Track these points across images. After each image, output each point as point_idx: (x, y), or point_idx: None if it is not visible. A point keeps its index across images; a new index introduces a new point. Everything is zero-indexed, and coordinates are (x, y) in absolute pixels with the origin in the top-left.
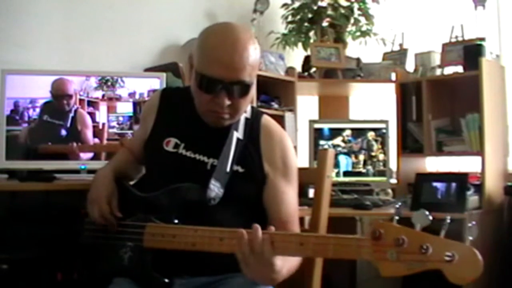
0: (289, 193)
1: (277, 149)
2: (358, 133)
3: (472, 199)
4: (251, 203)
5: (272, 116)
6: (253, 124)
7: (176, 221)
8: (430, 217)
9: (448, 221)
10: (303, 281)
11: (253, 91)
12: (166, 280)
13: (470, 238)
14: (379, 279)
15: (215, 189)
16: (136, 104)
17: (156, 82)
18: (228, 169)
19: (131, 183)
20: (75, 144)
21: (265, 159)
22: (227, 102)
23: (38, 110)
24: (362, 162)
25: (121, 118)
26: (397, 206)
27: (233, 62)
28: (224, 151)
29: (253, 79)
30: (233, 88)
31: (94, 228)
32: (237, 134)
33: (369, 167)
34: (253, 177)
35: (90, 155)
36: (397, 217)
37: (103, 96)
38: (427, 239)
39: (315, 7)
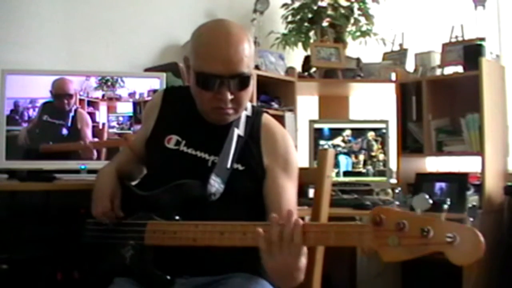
0: (289, 188)
1: (279, 145)
2: (358, 133)
3: (472, 199)
4: (251, 199)
5: (272, 116)
6: (254, 122)
7: (177, 217)
8: (430, 201)
9: (448, 203)
10: (303, 281)
11: (252, 83)
12: (168, 277)
13: (471, 219)
14: (379, 279)
15: (216, 184)
16: (136, 104)
17: (156, 82)
18: (228, 165)
19: (133, 183)
20: (87, 141)
21: (265, 155)
22: (230, 97)
23: (37, 110)
24: (362, 162)
25: (121, 118)
26: (397, 191)
27: (230, 56)
28: (225, 148)
29: (251, 70)
30: (233, 81)
31: (96, 227)
32: (238, 131)
33: (369, 167)
34: (253, 173)
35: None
36: (397, 202)
37: (103, 96)
38: (427, 222)
39: (315, 7)
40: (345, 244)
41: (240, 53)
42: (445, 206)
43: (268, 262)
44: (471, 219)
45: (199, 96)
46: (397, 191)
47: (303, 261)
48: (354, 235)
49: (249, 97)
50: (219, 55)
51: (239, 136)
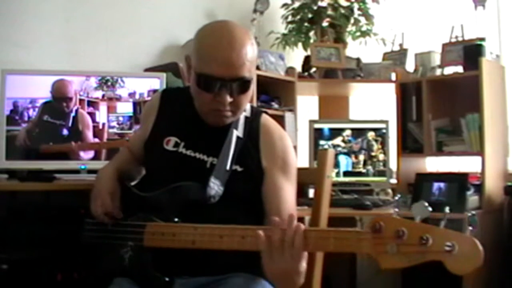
0: (287, 189)
1: (277, 146)
2: (358, 133)
3: (472, 199)
4: (251, 201)
5: (272, 116)
6: (252, 123)
7: (176, 219)
8: (430, 209)
9: (447, 211)
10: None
11: (253, 87)
12: (167, 279)
13: (471, 228)
14: (379, 279)
15: (215, 187)
16: (136, 104)
17: (156, 82)
18: (228, 167)
19: (132, 183)
20: (78, 142)
21: (263, 156)
22: (229, 100)
23: (37, 110)
24: (362, 162)
25: (121, 118)
26: (396, 198)
27: (232, 59)
28: (224, 150)
29: (252, 74)
30: (233, 85)
31: (95, 228)
32: (237, 133)
33: (369, 167)
34: (252, 175)
35: (91, 154)
36: (396, 209)
37: (103, 96)
38: (426, 230)
39: (315, 7)
40: (344, 250)
41: (243, 57)
42: (446, 212)
43: (268, 266)
44: (471, 228)
45: (198, 96)
46: (397, 197)
47: (303, 265)
48: (353, 241)
49: (248, 101)
50: (221, 58)
51: (238, 137)
